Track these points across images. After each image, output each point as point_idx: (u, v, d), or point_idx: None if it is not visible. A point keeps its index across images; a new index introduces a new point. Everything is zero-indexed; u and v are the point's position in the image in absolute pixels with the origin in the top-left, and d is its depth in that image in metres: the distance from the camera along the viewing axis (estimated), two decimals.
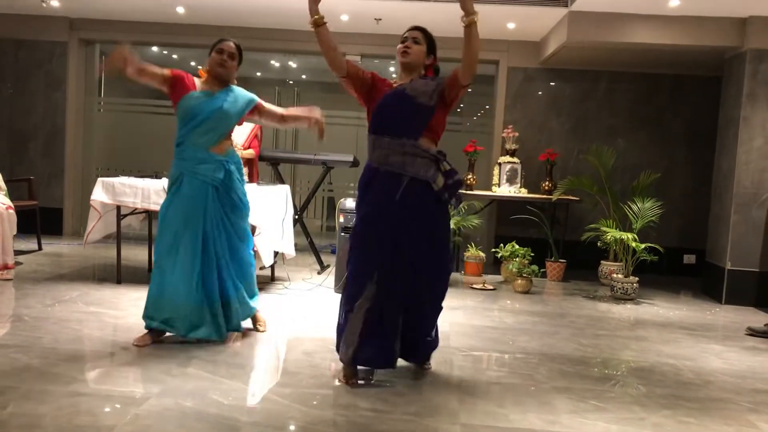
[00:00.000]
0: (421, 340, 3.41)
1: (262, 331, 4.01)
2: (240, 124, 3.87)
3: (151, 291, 3.65)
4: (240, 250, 3.81)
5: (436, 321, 3.46)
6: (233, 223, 3.75)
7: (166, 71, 3.65)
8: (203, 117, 3.61)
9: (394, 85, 3.36)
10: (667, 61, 6.78)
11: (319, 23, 3.23)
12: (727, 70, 6.22)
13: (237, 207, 3.76)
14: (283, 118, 3.95)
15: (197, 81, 3.71)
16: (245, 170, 5.85)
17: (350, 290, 3.24)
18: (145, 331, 3.67)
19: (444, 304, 3.46)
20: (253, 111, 3.84)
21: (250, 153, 5.81)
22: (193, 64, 9.89)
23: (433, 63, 3.41)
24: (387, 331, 3.19)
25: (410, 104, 3.25)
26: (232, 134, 3.84)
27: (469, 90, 3.45)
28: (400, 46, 3.35)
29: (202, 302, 3.63)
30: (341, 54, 3.33)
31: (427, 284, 3.31)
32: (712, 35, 5.89)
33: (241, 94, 3.78)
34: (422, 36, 3.35)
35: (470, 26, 3.11)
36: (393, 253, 3.20)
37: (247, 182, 5.51)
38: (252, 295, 3.94)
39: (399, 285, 3.20)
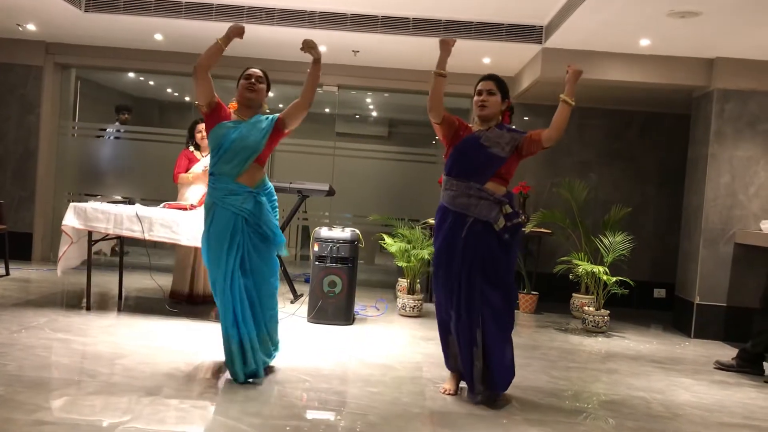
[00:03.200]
0: (494, 370, 3.45)
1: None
2: (272, 147, 3.76)
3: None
4: (264, 289, 3.68)
5: (506, 352, 3.52)
6: (261, 256, 3.66)
7: (215, 96, 3.66)
8: (226, 146, 3.58)
9: (473, 130, 3.54)
10: (638, 99, 6.94)
11: (443, 74, 3.45)
12: (695, 109, 6.39)
13: (267, 239, 3.67)
14: (304, 97, 3.69)
15: (232, 113, 3.70)
16: None
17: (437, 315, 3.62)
18: None
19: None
20: (279, 125, 3.70)
21: None
22: (169, 90, 9.89)
23: (508, 106, 3.60)
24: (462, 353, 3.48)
25: (483, 153, 3.46)
26: (264, 164, 3.77)
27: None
28: (476, 98, 3.53)
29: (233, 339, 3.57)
30: (442, 103, 3.50)
31: (492, 317, 3.43)
32: (681, 75, 6.06)
33: (262, 117, 3.71)
34: (496, 86, 3.53)
35: (566, 105, 3.42)
36: (462, 286, 3.42)
37: None
38: (274, 341, 3.81)
39: (467, 315, 3.41)
